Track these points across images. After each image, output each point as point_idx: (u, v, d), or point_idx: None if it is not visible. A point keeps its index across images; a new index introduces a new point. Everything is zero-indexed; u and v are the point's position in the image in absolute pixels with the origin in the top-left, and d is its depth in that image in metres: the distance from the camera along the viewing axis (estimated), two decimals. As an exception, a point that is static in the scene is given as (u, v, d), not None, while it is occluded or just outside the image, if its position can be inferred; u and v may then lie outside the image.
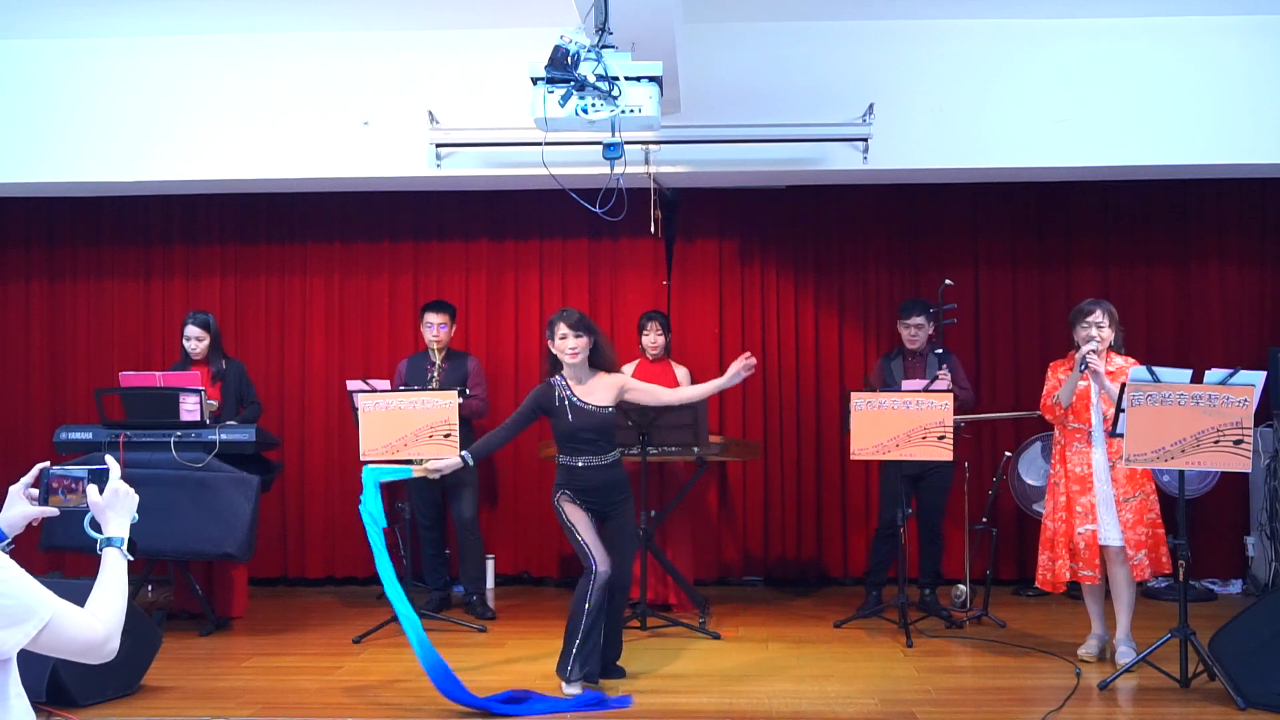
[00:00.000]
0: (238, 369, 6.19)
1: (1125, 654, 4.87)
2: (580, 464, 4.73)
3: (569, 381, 4.77)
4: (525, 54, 4.43)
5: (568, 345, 4.71)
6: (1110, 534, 4.89)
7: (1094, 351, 4.91)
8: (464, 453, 4.82)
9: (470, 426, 6.31)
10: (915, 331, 6.10)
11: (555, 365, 4.82)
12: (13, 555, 2.20)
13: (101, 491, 2.32)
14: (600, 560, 4.64)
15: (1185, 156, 6.07)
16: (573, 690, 4.61)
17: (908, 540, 5.77)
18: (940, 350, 6.04)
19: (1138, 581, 4.91)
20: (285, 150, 6.24)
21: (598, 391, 4.76)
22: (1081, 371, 4.93)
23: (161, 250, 7.29)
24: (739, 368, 4.77)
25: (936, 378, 5.81)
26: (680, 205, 7.09)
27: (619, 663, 4.90)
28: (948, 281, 6.00)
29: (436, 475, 4.82)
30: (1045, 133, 6.06)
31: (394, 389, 5.84)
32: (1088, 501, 4.93)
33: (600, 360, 4.80)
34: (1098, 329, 4.96)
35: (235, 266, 7.27)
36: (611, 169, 4.54)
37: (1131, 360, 4.99)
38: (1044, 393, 5.16)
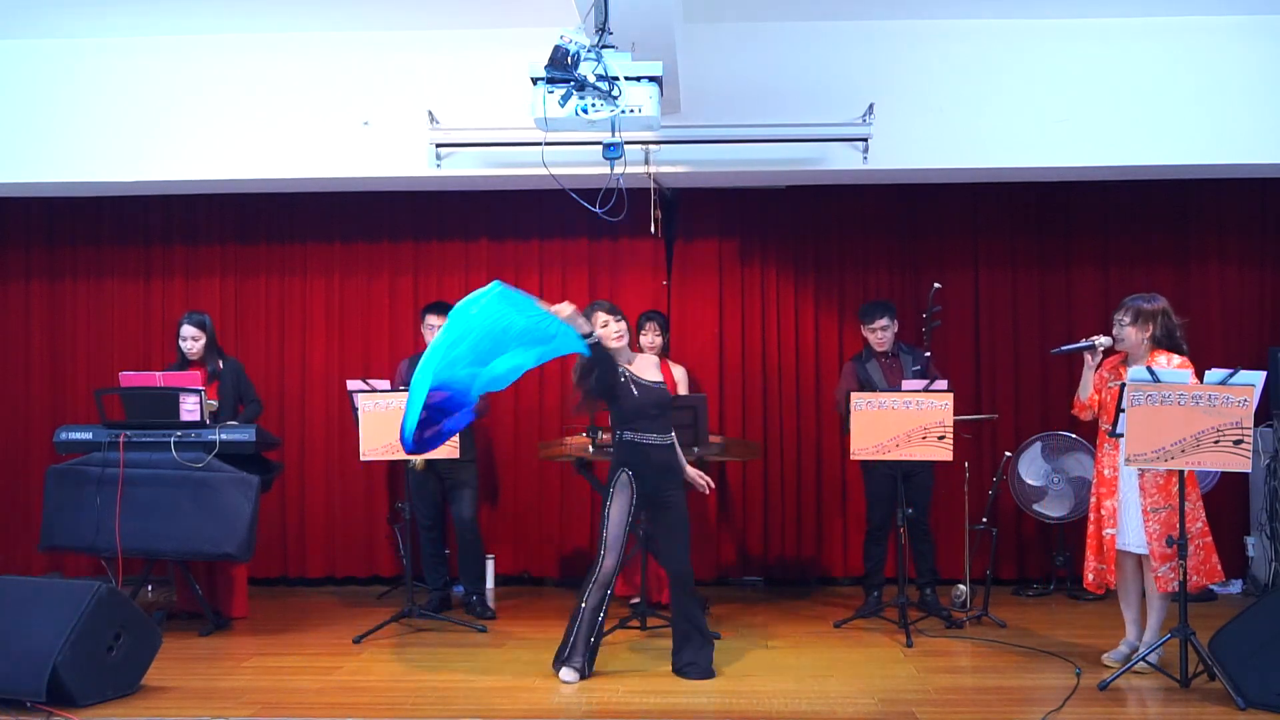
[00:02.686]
0: (235, 368, 6.19)
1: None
2: (642, 440, 4.78)
3: (621, 364, 4.83)
4: (525, 54, 4.44)
5: (612, 330, 4.80)
6: (1130, 539, 4.82)
7: (1096, 346, 4.91)
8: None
9: (470, 425, 6.29)
10: (882, 334, 6.12)
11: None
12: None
13: None
14: (608, 562, 4.74)
15: (1185, 156, 6.08)
16: (568, 678, 4.70)
17: (905, 540, 5.77)
18: (909, 347, 6.14)
19: (1163, 593, 4.79)
20: (285, 150, 6.25)
21: (648, 369, 4.88)
22: (1093, 362, 4.92)
23: (161, 250, 7.29)
24: (702, 482, 5.00)
25: (917, 375, 5.82)
26: (680, 205, 7.08)
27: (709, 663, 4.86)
28: (936, 285, 6.01)
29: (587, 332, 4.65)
30: (1045, 133, 6.07)
31: (394, 389, 5.84)
32: (1111, 505, 4.88)
33: (631, 344, 4.98)
34: (1119, 327, 4.91)
35: (235, 267, 7.27)
36: (611, 169, 4.55)
37: (1175, 358, 4.80)
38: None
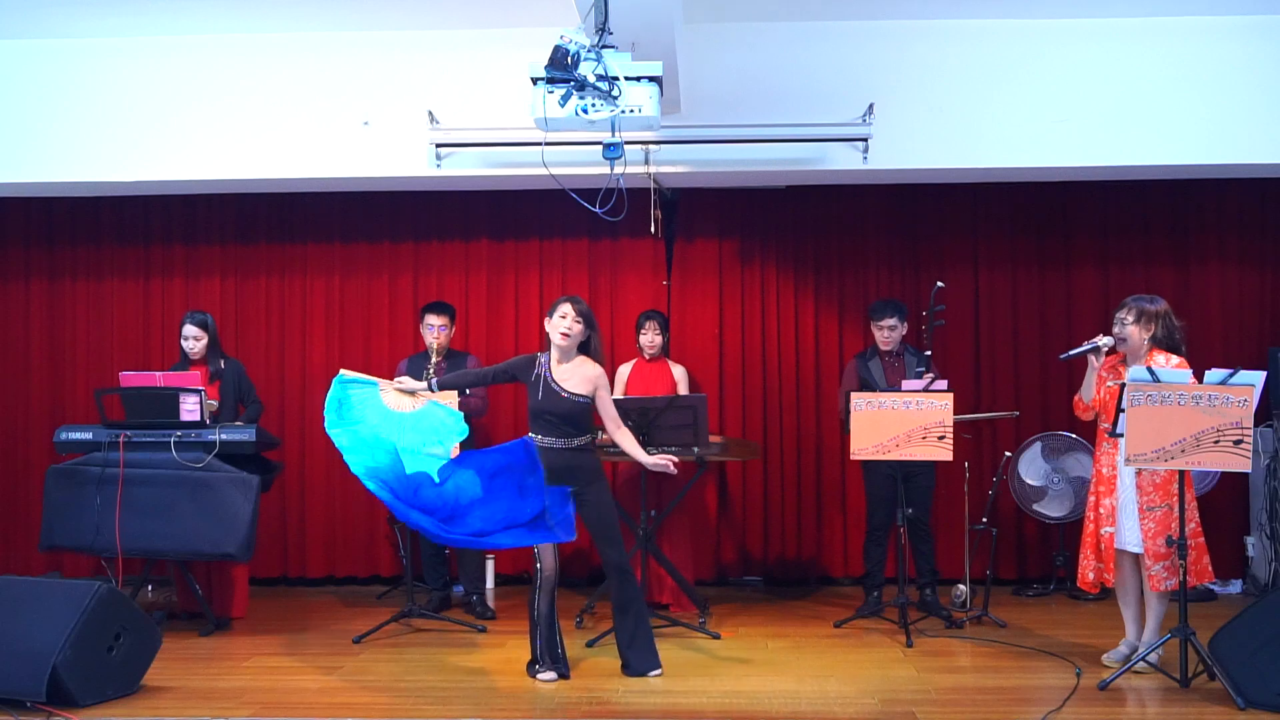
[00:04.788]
0: (236, 369, 6.19)
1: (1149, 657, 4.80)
2: (541, 443, 4.76)
3: (551, 361, 4.84)
4: (525, 54, 4.44)
5: (563, 325, 4.78)
6: (1127, 539, 4.82)
7: (1101, 348, 4.90)
8: (431, 380, 5.00)
9: (470, 425, 6.30)
10: (889, 333, 6.12)
11: (546, 344, 4.92)
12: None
13: None
14: (547, 565, 4.75)
15: (1185, 156, 6.08)
16: (546, 677, 4.75)
17: (905, 540, 5.77)
18: (914, 348, 6.12)
19: (1156, 592, 4.78)
20: (285, 150, 6.25)
21: (574, 379, 4.82)
22: (1097, 363, 4.92)
23: (161, 250, 7.28)
24: (663, 464, 4.90)
25: (920, 375, 5.82)
26: (680, 205, 7.08)
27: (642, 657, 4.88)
28: (939, 284, 6.00)
29: (405, 392, 4.95)
30: (1045, 133, 6.07)
31: (394, 389, 5.84)
32: (1110, 504, 4.88)
33: (590, 353, 4.89)
34: (1120, 326, 4.89)
35: (235, 266, 7.27)
36: (611, 169, 4.55)
37: (1176, 359, 4.80)
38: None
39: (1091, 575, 4.94)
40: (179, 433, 5.67)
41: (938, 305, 5.91)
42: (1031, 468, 6.56)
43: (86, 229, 7.27)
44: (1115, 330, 4.92)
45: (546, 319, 4.88)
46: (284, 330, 7.24)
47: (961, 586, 6.21)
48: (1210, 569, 4.82)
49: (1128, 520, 4.83)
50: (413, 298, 7.12)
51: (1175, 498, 4.69)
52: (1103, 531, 4.89)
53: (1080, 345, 5.04)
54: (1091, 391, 5.00)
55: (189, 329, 6.07)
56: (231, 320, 7.18)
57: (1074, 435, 6.49)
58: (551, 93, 4.34)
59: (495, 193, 6.95)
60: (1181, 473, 4.60)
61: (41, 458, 6.77)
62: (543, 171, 4.78)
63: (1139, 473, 4.77)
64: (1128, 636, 5.00)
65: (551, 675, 4.76)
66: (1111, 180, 6.66)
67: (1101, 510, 4.91)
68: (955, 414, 5.50)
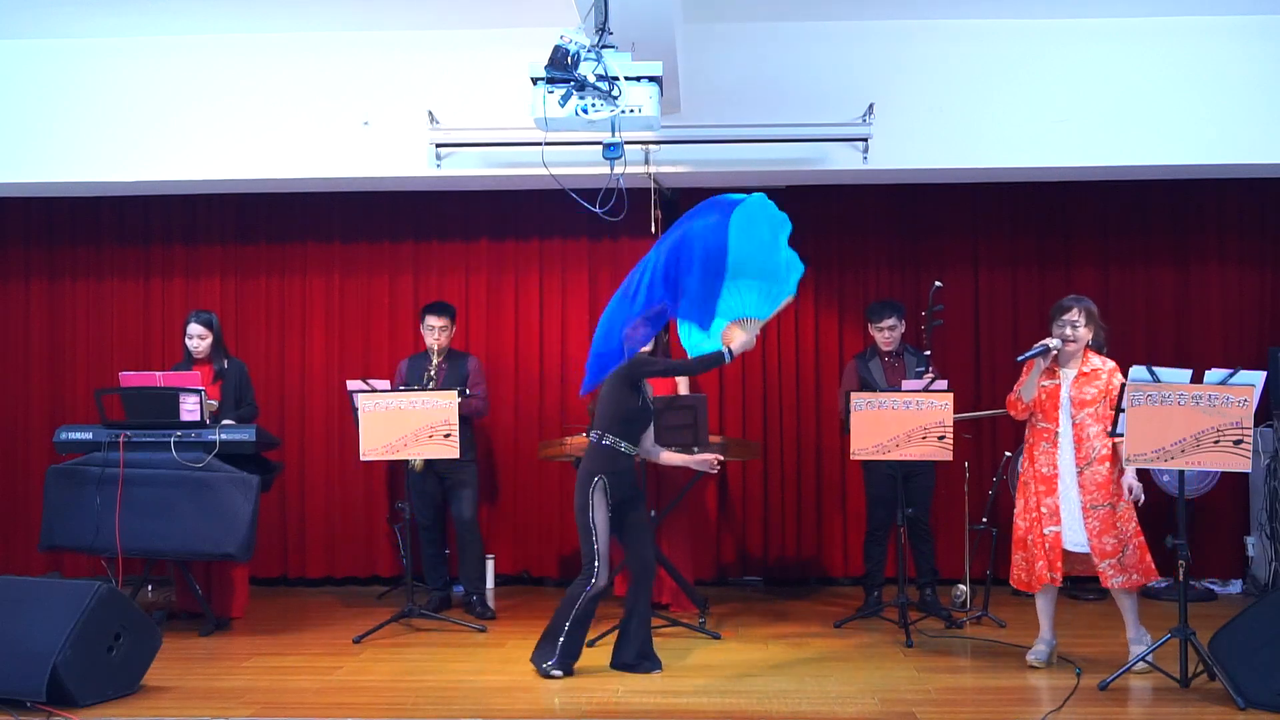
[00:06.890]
0: (239, 369, 6.19)
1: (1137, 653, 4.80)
2: (618, 448, 4.87)
3: None
4: (525, 54, 4.44)
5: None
6: (1075, 538, 4.84)
7: (1051, 349, 4.88)
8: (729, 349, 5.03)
9: (471, 425, 6.31)
10: (889, 334, 6.12)
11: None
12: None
13: None
14: (603, 575, 4.78)
15: (1185, 156, 6.08)
16: (556, 673, 4.75)
17: (905, 540, 5.77)
18: (914, 349, 6.12)
19: (1107, 589, 4.83)
20: (285, 150, 6.26)
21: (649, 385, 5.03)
22: (1044, 365, 4.91)
23: (161, 250, 7.28)
24: (706, 463, 5.15)
25: (920, 375, 5.82)
26: (680, 205, 7.07)
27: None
28: (938, 284, 6.00)
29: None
30: (1045, 133, 6.08)
31: (394, 389, 5.84)
32: (1052, 503, 4.88)
33: None
34: (1072, 328, 4.89)
35: (235, 266, 7.27)
36: (611, 169, 4.55)
37: (1109, 362, 4.89)
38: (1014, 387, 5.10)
39: (1044, 574, 4.88)
40: (179, 433, 5.67)
41: (937, 305, 5.91)
42: (1031, 468, 6.55)
43: (86, 229, 7.27)
44: (1066, 331, 4.90)
45: None
46: (284, 330, 7.24)
47: (961, 586, 6.22)
48: (1154, 568, 4.80)
49: (1071, 520, 4.84)
50: (413, 298, 7.12)
51: (1118, 497, 4.76)
52: (1047, 530, 4.87)
53: (1031, 348, 4.99)
54: (1033, 391, 4.97)
55: (194, 328, 6.07)
56: (231, 320, 7.17)
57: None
58: (551, 93, 4.35)
59: (495, 193, 6.96)
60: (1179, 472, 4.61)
61: (41, 458, 6.78)
62: (543, 171, 4.79)
63: (1081, 472, 4.80)
64: (1043, 634, 5.04)
65: (560, 673, 4.77)
66: (1111, 180, 6.66)
67: (1044, 509, 4.89)
68: (955, 413, 5.50)
